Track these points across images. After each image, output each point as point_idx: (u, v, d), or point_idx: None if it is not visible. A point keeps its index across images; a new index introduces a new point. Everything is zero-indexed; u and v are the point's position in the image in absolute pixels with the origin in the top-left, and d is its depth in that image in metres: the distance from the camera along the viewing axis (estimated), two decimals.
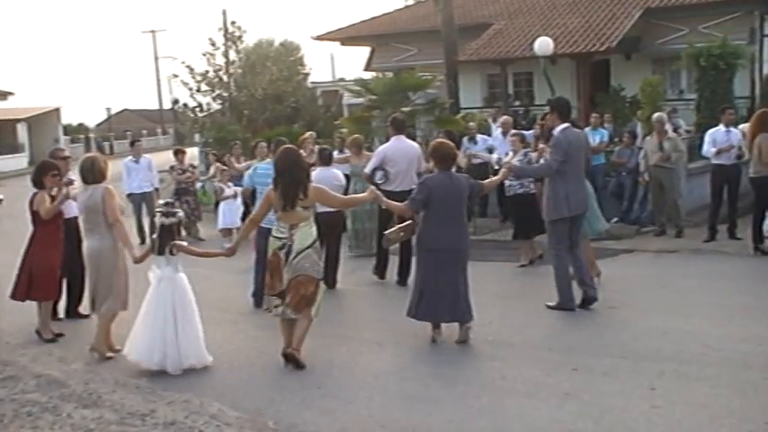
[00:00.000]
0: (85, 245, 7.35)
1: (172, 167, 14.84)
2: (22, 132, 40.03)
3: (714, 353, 6.55)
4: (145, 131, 55.62)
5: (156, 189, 14.39)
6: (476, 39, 22.14)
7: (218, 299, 8.99)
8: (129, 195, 13.97)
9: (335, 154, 11.67)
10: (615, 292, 8.90)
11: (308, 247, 6.56)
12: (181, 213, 7.00)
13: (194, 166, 15.66)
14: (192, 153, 19.30)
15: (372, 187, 7.62)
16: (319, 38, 27.28)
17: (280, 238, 6.57)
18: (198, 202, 14.74)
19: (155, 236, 6.92)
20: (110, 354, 7.11)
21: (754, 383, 5.83)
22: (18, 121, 39.32)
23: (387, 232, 7.68)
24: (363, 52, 27.33)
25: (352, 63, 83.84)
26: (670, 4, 21.04)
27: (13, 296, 7.95)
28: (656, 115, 12.77)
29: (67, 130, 46.03)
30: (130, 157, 14.42)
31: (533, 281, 9.68)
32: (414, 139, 11.84)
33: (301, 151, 11.64)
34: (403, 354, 7.00)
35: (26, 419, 5.61)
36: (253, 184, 8.95)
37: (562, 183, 8.00)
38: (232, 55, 25.79)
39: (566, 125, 8.09)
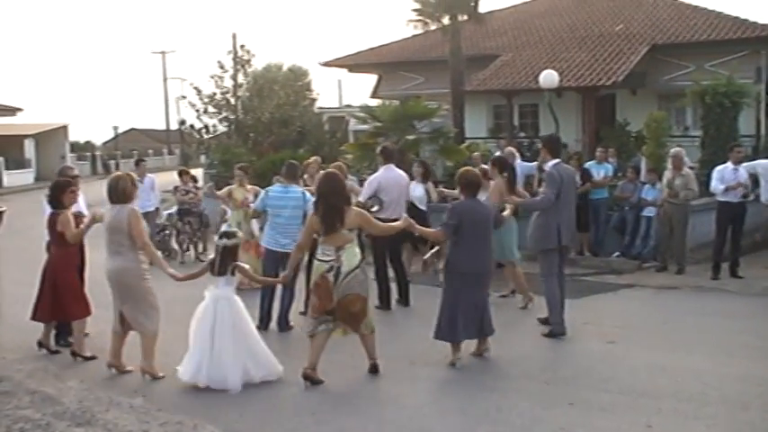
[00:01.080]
0: (108, 265, 7.17)
1: (176, 188, 14.86)
2: (29, 148, 40.22)
3: (713, 391, 6.51)
4: (151, 151, 55.84)
5: (157, 209, 14.41)
6: (483, 69, 22.27)
7: None
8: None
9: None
10: (615, 327, 8.87)
11: (355, 267, 6.80)
12: (240, 234, 7.27)
13: (198, 188, 15.68)
14: (197, 174, 19.34)
15: (405, 215, 8.07)
16: (327, 64, 27.47)
17: (326, 261, 6.75)
18: (201, 223, 14.71)
19: (212, 256, 7.09)
20: (129, 367, 7.19)
21: (752, 424, 5.79)
22: (26, 137, 39.52)
23: (425, 257, 7.96)
24: (370, 79, 27.51)
25: (359, 90, 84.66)
26: (677, 41, 21.16)
27: (35, 317, 7.88)
28: (673, 150, 12.80)
29: (74, 147, 46.21)
30: (136, 177, 14.40)
31: (529, 311, 9.63)
32: (409, 168, 11.97)
33: (305, 175, 11.80)
34: (399, 382, 6.96)
35: None
36: (264, 207, 9.03)
37: (554, 214, 8.33)
38: (240, 78, 25.98)
39: (557, 161, 8.59)
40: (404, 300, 10.05)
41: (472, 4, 21.38)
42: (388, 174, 9.91)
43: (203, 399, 6.52)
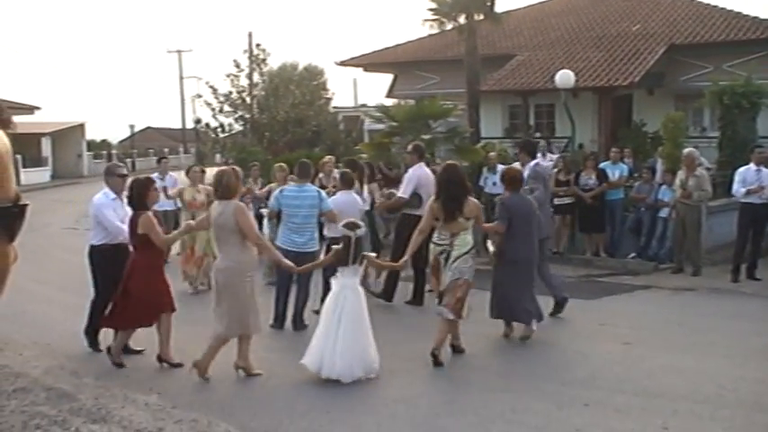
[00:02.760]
0: (216, 263, 7.13)
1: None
2: (46, 146, 40.45)
3: (729, 394, 6.46)
4: (167, 150, 55.97)
5: (179, 208, 14.42)
6: (498, 69, 22.21)
7: None
8: (159, 212, 13.70)
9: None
10: (630, 329, 8.82)
11: (465, 253, 7.34)
12: (364, 227, 7.42)
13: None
14: (212, 173, 19.35)
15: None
16: (343, 63, 27.47)
17: (440, 245, 7.40)
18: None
19: (339, 247, 7.14)
20: (257, 371, 7.02)
21: None
22: (43, 135, 39.75)
23: (491, 252, 8.39)
24: (386, 79, 27.48)
25: (374, 89, 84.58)
26: (695, 42, 21.02)
27: (109, 324, 7.51)
28: (686, 150, 12.70)
29: (91, 145, 46.40)
30: (156, 174, 14.30)
31: (545, 312, 9.59)
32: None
33: (320, 174, 11.80)
34: (414, 382, 6.96)
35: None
36: (279, 206, 9.02)
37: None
38: (256, 77, 26.04)
39: (536, 161, 9.90)
40: (418, 299, 10.04)
41: (488, 3, 21.30)
42: (424, 171, 10.03)
43: (218, 396, 6.54)
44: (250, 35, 28.28)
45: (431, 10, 21.53)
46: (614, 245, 13.71)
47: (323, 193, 9.05)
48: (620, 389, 6.62)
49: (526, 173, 9.17)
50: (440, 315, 7.32)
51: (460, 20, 21.28)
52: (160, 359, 7.33)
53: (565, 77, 17.97)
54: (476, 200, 7.80)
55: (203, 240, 10.76)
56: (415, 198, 9.72)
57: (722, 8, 22.67)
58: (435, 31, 22.81)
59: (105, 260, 7.71)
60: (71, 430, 5.65)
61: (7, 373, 6.97)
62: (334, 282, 7.06)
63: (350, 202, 9.18)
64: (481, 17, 21.31)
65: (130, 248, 7.43)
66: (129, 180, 7.87)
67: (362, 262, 7.13)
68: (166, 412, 6.05)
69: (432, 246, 7.50)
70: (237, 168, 7.73)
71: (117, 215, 7.73)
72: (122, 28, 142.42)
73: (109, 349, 7.48)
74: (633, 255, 13.32)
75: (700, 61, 20.98)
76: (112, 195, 7.86)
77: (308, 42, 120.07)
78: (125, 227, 7.48)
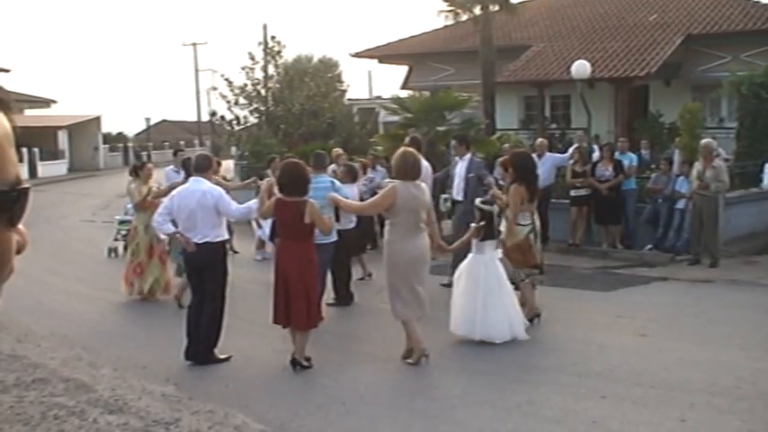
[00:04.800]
0: (409, 245, 6.93)
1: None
2: (62, 139, 40.66)
3: (747, 386, 6.41)
4: (182, 142, 56.04)
5: None
6: (514, 60, 22.10)
7: (248, 310, 9.00)
8: None
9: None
10: (647, 320, 8.77)
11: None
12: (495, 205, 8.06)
13: (227, 178, 15.65)
14: (228, 165, 19.40)
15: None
16: (357, 55, 27.44)
17: (526, 225, 8.25)
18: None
19: (482, 223, 7.68)
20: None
21: None
22: (59, 128, 39.96)
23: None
24: (401, 70, 27.44)
25: (389, 81, 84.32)
26: (712, 32, 20.83)
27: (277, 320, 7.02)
28: (703, 141, 12.59)
29: (107, 138, 46.55)
30: (172, 167, 14.13)
31: (561, 304, 9.56)
32: (439, 159, 12.22)
33: (333, 166, 11.80)
34: (430, 374, 6.95)
35: (53, 422, 5.65)
36: None
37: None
38: (271, 69, 25.98)
39: (470, 154, 10.41)
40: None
41: None
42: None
43: (234, 387, 6.56)
44: (265, 27, 28.26)
45: (446, 1, 21.47)
46: (631, 236, 13.63)
47: (337, 182, 9.05)
48: (637, 381, 6.59)
49: (465, 165, 10.13)
50: (538, 284, 8.50)
51: (476, 11, 21.20)
52: (295, 362, 6.88)
53: (581, 68, 17.85)
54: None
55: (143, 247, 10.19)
56: (448, 199, 9.88)
57: None
58: (450, 22, 22.73)
59: (223, 258, 7.39)
60: (89, 421, 5.68)
61: (26, 364, 7.02)
62: (471, 256, 7.73)
63: (351, 196, 9.26)
64: (496, 8, 21.22)
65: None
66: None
67: (498, 235, 8.01)
68: (183, 403, 6.07)
69: (517, 227, 8.21)
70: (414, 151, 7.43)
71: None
72: (138, 21, 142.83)
73: (294, 362, 6.88)
74: (650, 246, 13.24)
75: (717, 51, 20.80)
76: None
77: (323, 34, 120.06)
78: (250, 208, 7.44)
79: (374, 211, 8.64)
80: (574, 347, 7.83)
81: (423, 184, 7.11)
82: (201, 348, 7.16)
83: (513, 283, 8.01)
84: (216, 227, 7.32)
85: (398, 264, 6.94)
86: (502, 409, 5.97)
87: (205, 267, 7.27)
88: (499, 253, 7.91)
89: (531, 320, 8.16)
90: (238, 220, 8.84)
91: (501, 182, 10.48)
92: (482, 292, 7.52)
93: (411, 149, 7.28)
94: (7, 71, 30.89)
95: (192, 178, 7.62)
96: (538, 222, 8.49)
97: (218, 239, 7.33)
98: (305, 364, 6.87)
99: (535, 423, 5.69)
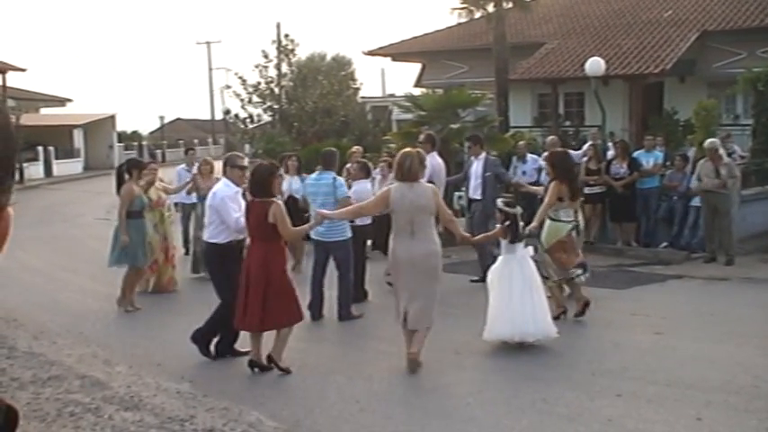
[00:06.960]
0: (412, 249, 6.76)
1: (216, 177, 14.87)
2: (78, 138, 40.88)
3: (765, 384, 6.36)
4: (196, 140, 56.27)
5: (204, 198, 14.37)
6: (527, 58, 22.01)
7: None
8: (178, 204, 13.32)
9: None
10: (662, 318, 8.73)
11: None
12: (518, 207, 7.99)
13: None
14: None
15: None
16: (370, 53, 27.42)
17: (569, 222, 8.34)
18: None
19: (507, 223, 7.58)
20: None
21: None
22: (75, 127, 40.18)
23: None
24: (414, 68, 27.38)
25: (402, 79, 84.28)
26: (727, 28, 20.67)
27: (243, 326, 6.92)
28: (708, 141, 12.50)
29: (122, 137, 46.75)
30: (184, 165, 13.93)
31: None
32: (453, 157, 12.29)
33: (348, 164, 11.80)
34: (445, 371, 6.94)
35: (68, 419, 5.69)
36: (305, 194, 9.22)
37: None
38: (284, 68, 26.05)
39: (485, 152, 10.77)
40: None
41: None
42: (435, 160, 10.07)
43: (249, 385, 6.58)
44: (278, 26, 28.31)
45: None
46: (649, 234, 13.55)
47: (339, 180, 9.00)
48: (652, 379, 6.55)
49: (481, 164, 10.46)
50: (584, 282, 8.46)
51: (489, 8, 21.14)
52: (270, 359, 6.79)
53: (595, 65, 17.76)
54: None
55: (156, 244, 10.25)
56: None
57: None
58: (464, 19, 22.68)
59: (232, 259, 7.17)
60: (104, 418, 5.71)
61: (42, 361, 7.07)
62: (501, 258, 7.69)
63: (365, 192, 9.27)
64: (510, 5, 21.15)
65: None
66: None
67: (527, 233, 7.92)
68: (198, 401, 6.09)
69: (560, 225, 8.28)
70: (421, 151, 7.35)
71: (238, 208, 7.16)
72: (152, 20, 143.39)
73: (270, 358, 6.80)
74: (665, 244, 13.17)
75: (732, 48, 20.63)
76: (235, 188, 7.32)
77: (336, 33, 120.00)
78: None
79: (367, 214, 8.30)
80: (588, 345, 7.81)
81: (423, 185, 6.85)
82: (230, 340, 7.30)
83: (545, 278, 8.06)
84: (222, 231, 7.32)
85: (392, 266, 7.04)
86: (516, 407, 5.95)
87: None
88: (531, 251, 7.82)
89: (557, 318, 8.07)
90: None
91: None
92: (518, 290, 7.43)
93: (412, 150, 7.12)
94: (23, 70, 31.06)
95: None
96: (582, 220, 8.64)
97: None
98: (264, 363, 6.77)
99: (549, 421, 5.67)
